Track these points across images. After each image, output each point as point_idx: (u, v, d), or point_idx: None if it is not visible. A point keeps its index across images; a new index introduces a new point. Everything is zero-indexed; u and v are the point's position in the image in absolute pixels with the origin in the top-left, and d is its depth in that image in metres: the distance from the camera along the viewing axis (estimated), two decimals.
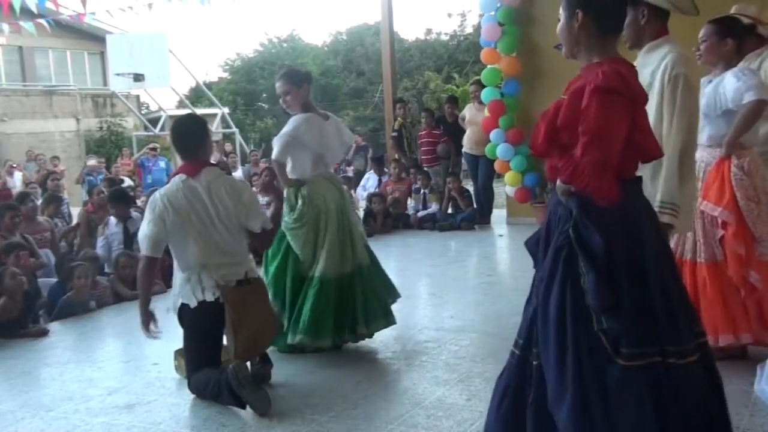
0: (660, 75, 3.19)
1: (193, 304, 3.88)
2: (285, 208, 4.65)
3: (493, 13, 9.33)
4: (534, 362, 2.44)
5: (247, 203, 4.02)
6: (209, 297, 3.86)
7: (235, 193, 3.99)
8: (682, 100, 3.13)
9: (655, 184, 3.13)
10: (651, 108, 3.12)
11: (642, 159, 2.50)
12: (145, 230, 3.91)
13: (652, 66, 3.25)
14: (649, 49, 3.31)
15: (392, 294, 4.97)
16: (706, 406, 2.38)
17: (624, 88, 2.32)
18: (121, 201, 7.80)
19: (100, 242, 7.48)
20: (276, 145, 4.61)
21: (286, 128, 4.60)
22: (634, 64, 3.20)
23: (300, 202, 4.58)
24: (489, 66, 9.55)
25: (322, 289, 4.51)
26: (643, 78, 3.14)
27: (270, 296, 4.47)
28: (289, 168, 4.65)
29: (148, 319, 4.06)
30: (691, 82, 3.17)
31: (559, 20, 2.54)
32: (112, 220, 7.55)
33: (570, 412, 2.30)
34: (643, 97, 2.45)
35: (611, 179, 2.30)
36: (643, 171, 2.63)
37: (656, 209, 3.00)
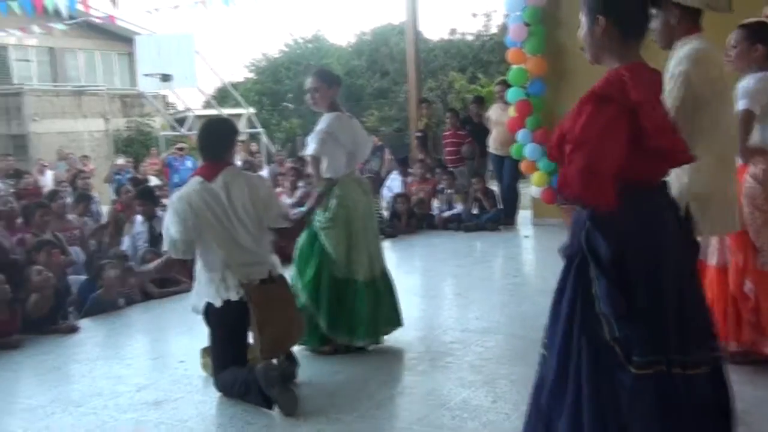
0: (670, 71, 3.16)
1: (218, 303, 3.92)
2: (318, 208, 4.62)
3: (518, 13, 9.30)
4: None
5: (263, 198, 4.04)
6: (233, 296, 3.89)
7: (252, 189, 4.01)
8: (677, 93, 3.08)
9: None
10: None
11: (669, 164, 2.48)
12: (172, 233, 3.95)
13: (671, 62, 3.22)
14: (678, 47, 3.26)
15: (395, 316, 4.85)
16: (707, 421, 2.37)
17: (619, 95, 2.30)
18: (149, 198, 7.89)
19: (126, 241, 7.57)
20: (312, 141, 4.58)
21: (321, 125, 4.59)
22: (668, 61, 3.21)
23: (334, 201, 4.56)
24: (515, 66, 9.51)
25: (357, 290, 4.55)
26: (665, 76, 3.13)
27: (305, 299, 4.49)
28: (323, 166, 4.60)
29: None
30: (690, 80, 3.10)
31: (579, 26, 2.53)
32: (138, 218, 7.63)
33: (566, 420, 2.34)
34: (650, 104, 2.38)
35: (604, 186, 2.28)
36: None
37: None
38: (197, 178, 4.02)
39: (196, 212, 3.92)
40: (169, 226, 3.98)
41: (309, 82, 4.69)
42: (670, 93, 3.08)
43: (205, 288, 3.98)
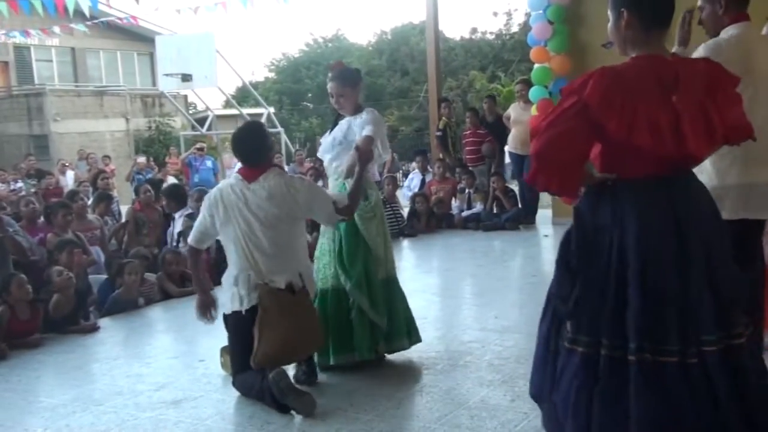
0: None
1: (228, 311, 3.95)
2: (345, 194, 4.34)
3: (541, 11, 9.26)
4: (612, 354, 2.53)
5: (305, 203, 3.98)
6: (244, 306, 3.87)
7: (291, 194, 3.95)
8: None
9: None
10: None
11: (653, 161, 2.46)
12: (196, 222, 4.06)
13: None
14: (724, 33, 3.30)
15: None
16: (686, 411, 2.41)
17: (578, 90, 2.41)
18: (174, 197, 8.01)
19: (170, 237, 7.75)
20: (373, 123, 4.30)
21: (373, 125, 4.31)
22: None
23: (374, 196, 4.43)
24: (539, 65, 9.46)
25: (392, 289, 4.45)
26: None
27: (367, 305, 4.24)
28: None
29: (204, 303, 4.12)
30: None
31: (608, 20, 2.58)
32: (177, 215, 7.79)
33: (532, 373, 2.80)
34: (611, 101, 2.41)
35: (559, 175, 2.48)
36: None
37: None
38: (237, 176, 4.05)
39: (226, 205, 3.93)
40: (200, 214, 4.09)
41: (331, 87, 4.48)
42: None
43: (228, 289, 3.99)
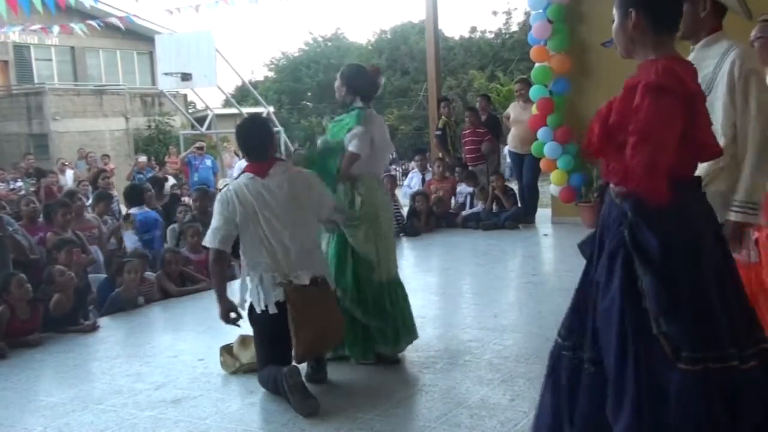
0: (728, 71, 3.08)
1: (257, 309, 3.94)
2: (344, 202, 4.40)
3: (541, 11, 9.26)
4: (588, 370, 2.39)
5: (317, 195, 4.08)
6: (271, 307, 3.89)
7: (305, 187, 4.02)
8: (756, 96, 3.03)
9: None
10: (716, 106, 3.05)
11: (701, 158, 2.46)
12: (214, 223, 3.99)
13: (713, 60, 3.15)
14: (707, 43, 3.20)
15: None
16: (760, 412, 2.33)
17: (678, 87, 2.28)
18: (129, 197, 8.18)
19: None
20: (356, 138, 4.35)
21: (364, 127, 4.39)
22: (689, 58, 3.15)
23: (359, 199, 4.40)
24: (539, 64, 9.46)
25: (393, 292, 4.43)
26: (704, 73, 3.07)
27: (360, 314, 4.31)
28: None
29: (226, 308, 4.05)
30: (762, 76, 3.08)
31: (613, 20, 2.51)
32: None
33: (629, 418, 2.27)
34: (701, 95, 2.40)
35: (662, 180, 2.25)
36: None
37: (736, 209, 2.98)
38: (248, 174, 4.02)
39: (243, 204, 3.92)
40: (215, 216, 4.02)
41: (336, 82, 4.59)
42: (743, 92, 3.03)
43: (249, 287, 4.00)
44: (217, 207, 4.02)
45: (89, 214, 8.02)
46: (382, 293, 4.38)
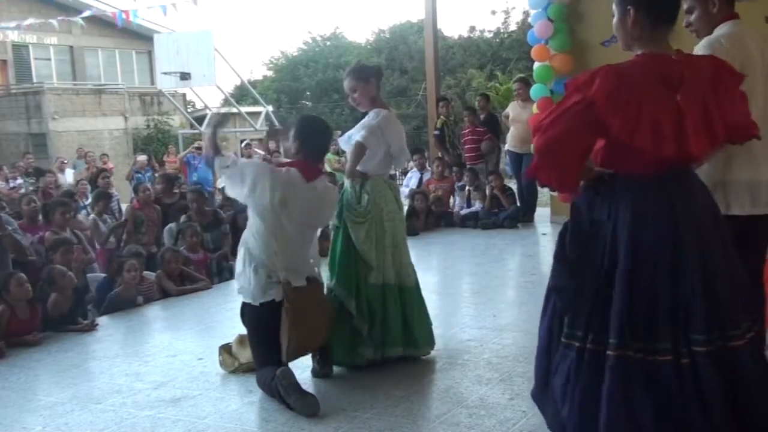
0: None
1: (256, 303, 3.91)
2: (351, 200, 4.34)
3: (541, 10, 9.26)
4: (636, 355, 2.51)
5: (329, 210, 4.16)
6: (277, 296, 3.87)
7: (325, 204, 4.08)
8: None
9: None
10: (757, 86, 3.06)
11: (653, 161, 2.46)
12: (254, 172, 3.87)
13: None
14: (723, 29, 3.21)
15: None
16: (680, 410, 2.41)
17: (584, 87, 2.41)
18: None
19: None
20: (363, 129, 4.30)
21: (371, 120, 4.33)
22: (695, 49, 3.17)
23: (366, 197, 4.32)
24: (540, 63, 9.46)
25: (388, 297, 4.32)
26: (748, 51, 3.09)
27: (353, 307, 4.23)
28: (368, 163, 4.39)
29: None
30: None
31: (613, 16, 2.59)
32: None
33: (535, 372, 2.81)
34: (617, 99, 2.40)
35: (561, 170, 2.50)
36: None
37: None
38: (296, 171, 3.92)
39: (287, 195, 3.85)
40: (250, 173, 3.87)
41: (345, 83, 4.48)
42: None
43: (248, 282, 3.93)
44: (253, 175, 3.84)
45: (81, 216, 7.99)
46: (377, 295, 4.29)
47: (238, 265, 4.01)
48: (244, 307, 4.03)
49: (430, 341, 4.47)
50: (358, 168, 4.32)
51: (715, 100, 2.48)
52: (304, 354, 4.09)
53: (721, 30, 3.18)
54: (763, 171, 3.15)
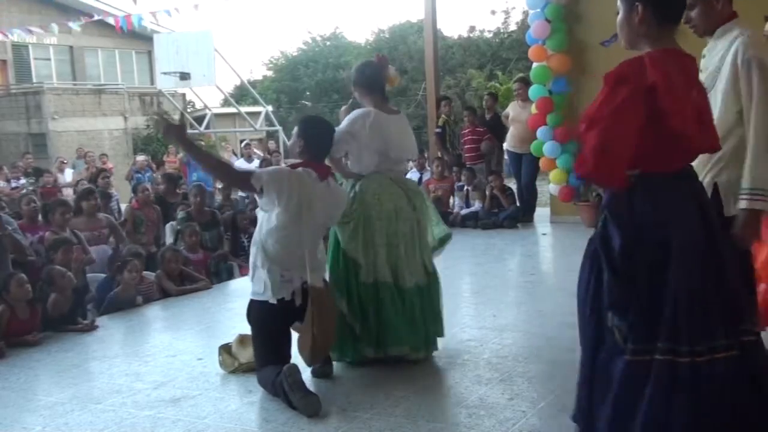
0: (731, 59, 3.05)
1: (272, 300, 3.89)
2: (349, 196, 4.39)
3: (539, 10, 9.26)
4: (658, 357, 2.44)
5: (339, 212, 4.14)
6: (287, 295, 3.89)
7: (337, 204, 4.09)
8: (759, 82, 3.00)
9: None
10: (718, 94, 3.04)
11: (689, 150, 2.46)
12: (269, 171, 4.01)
13: (721, 51, 3.12)
14: (721, 33, 3.17)
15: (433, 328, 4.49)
16: (738, 405, 2.37)
17: (636, 76, 2.33)
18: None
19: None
20: (345, 121, 4.38)
21: (342, 124, 4.37)
22: (705, 50, 3.15)
23: (351, 196, 4.31)
24: (538, 64, 9.46)
25: (380, 294, 4.26)
26: (713, 63, 3.08)
27: (344, 307, 4.26)
28: (351, 162, 4.44)
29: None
30: (765, 63, 3.01)
31: (617, 13, 2.54)
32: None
33: (580, 399, 2.52)
34: (672, 85, 2.37)
35: (614, 164, 2.34)
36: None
37: (745, 196, 2.96)
38: (310, 170, 3.97)
39: (300, 194, 3.88)
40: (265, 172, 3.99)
41: (353, 79, 4.53)
42: (746, 80, 3.00)
43: (260, 280, 3.93)
44: (268, 173, 3.95)
45: (101, 214, 7.94)
46: (368, 294, 4.27)
47: (251, 264, 4.05)
48: (251, 305, 4.03)
49: (427, 345, 4.40)
50: (353, 171, 4.39)
51: (706, 101, 2.51)
52: (326, 354, 4.11)
53: (742, 29, 3.12)
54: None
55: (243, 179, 4.09)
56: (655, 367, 2.36)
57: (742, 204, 2.99)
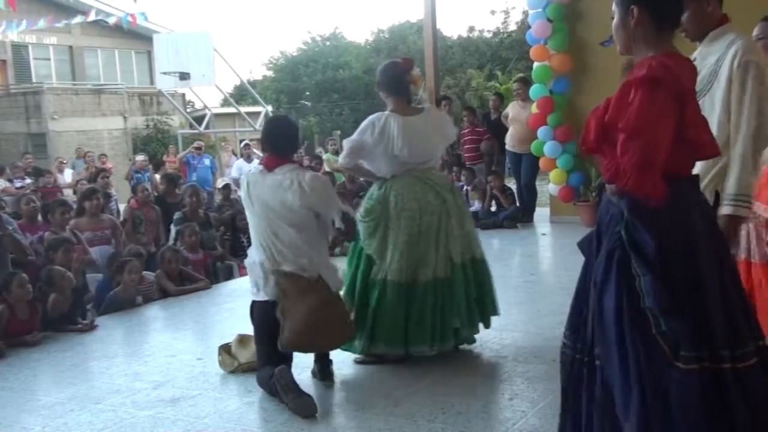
0: (728, 62, 3.04)
1: (259, 298, 3.99)
2: (364, 199, 4.57)
3: (540, 9, 9.26)
4: (596, 362, 2.38)
5: (318, 200, 3.99)
6: (264, 296, 3.93)
7: (306, 189, 3.98)
8: (753, 88, 2.99)
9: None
10: (716, 97, 3.03)
11: (697, 157, 2.45)
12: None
13: (717, 54, 3.11)
14: (714, 37, 3.16)
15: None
16: (765, 411, 2.32)
17: (671, 81, 2.25)
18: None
19: None
20: (344, 148, 4.50)
21: (356, 133, 4.41)
22: (694, 55, 3.13)
23: (375, 196, 4.38)
24: (539, 63, 9.45)
25: (386, 292, 4.26)
26: (707, 66, 3.05)
27: (347, 299, 4.32)
28: (370, 167, 4.46)
29: None
30: (762, 69, 3.02)
31: (612, 17, 2.49)
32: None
33: (636, 418, 2.26)
34: (693, 93, 2.38)
35: (656, 177, 2.22)
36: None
37: (728, 202, 2.95)
38: (259, 166, 4.16)
39: (250, 194, 4.03)
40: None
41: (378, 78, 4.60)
42: (740, 82, 3.00)
43: (253, 278, 4.06)
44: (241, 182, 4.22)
45: (104, 215, 7.92)
46: (371, 289, 4.29)
47: (248, 263, 4.14)
48: (253, 304, 4.08)
49: (444, 338, 4.34)
50: (378, 174, 4.43)
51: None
52: (299, 350, 4.02)
53: (736, 33, 3.11)
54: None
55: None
56: (705, 375, 2.24)
57: (726, 210, 2.98)
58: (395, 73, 4.48)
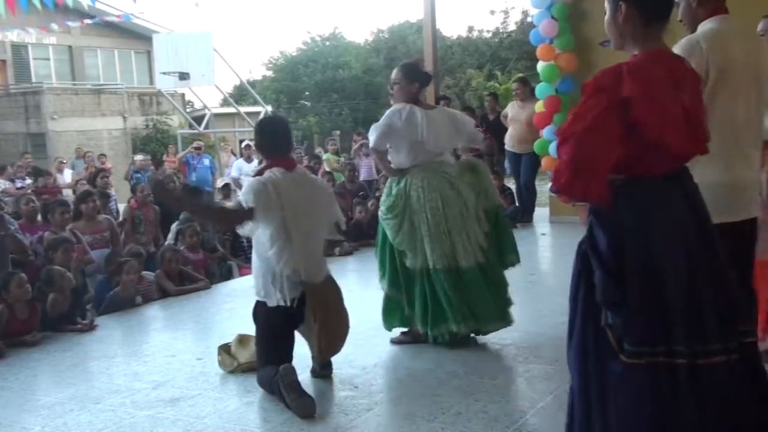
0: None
1: (271, 303, 3.94)
2: (383, 197, 4.68)
3: (544, 9, 9.25)
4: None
5: (326, 204, 4.16)
6: (288, 301, 3.92)
7: (318, 191, 4.12)
8: None
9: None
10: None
11: (671, 157, 2.42)
12: (246, 199, 3.92)
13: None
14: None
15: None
16: (738, 409, 2.33)
17: (612, 87, 2.28)
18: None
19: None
20: (372, 133, 4.63)
21: (382, 118, 4.61)
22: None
23: (394, 190, 4.56)
24: (546, 63, 9.43)
25: (430, 280, 4.48)
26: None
27: (386, 285, 4.59)
28: (391, 155, 4.66)
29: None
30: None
31: (605, 14, 2.51)
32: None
33: (579, 407, 2.41)
34: (650, 95, 2.33)
35: (592, 181, 2.28)
36: None
37: None
38: (279, 168, 4.00)
39: (279, 193, 3.90)
40: (244, 198, 3.97)
41: (393, 73, 4.73)
42: None
43: (262, 282, 3.98)
44: (248, 194, 3.92)
45: (101, 216, 7.89)
46: (416, 279, 4.52)
47: (254, 267, 4.11)
48: (257, 305, 4.07)
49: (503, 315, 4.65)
50: (392, 166, 4.66)
51: (699, 102, 2.48)
52: (333, 353, 4.18)
53: (703, 27, 3.11)
54: (739, 174, 3.10)
55: (237, 211, 4.03)
56: (653, 370, 2.29)
57: None
58: (412, 71, 4.71)
